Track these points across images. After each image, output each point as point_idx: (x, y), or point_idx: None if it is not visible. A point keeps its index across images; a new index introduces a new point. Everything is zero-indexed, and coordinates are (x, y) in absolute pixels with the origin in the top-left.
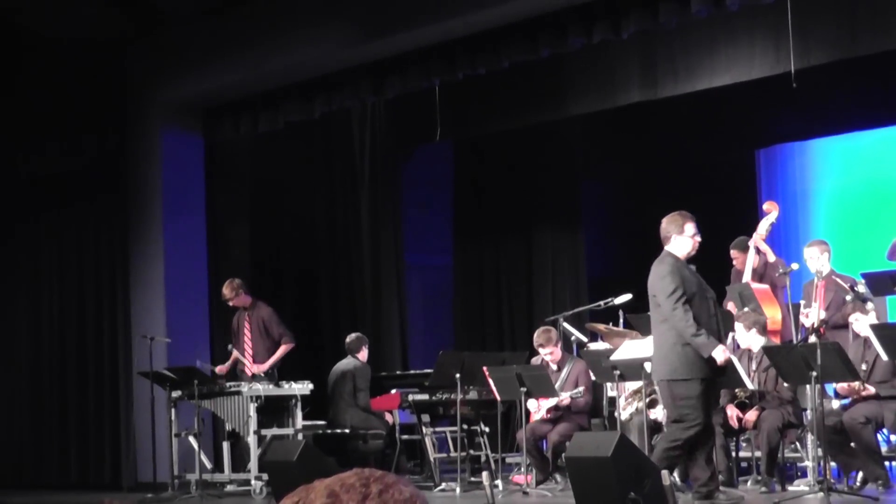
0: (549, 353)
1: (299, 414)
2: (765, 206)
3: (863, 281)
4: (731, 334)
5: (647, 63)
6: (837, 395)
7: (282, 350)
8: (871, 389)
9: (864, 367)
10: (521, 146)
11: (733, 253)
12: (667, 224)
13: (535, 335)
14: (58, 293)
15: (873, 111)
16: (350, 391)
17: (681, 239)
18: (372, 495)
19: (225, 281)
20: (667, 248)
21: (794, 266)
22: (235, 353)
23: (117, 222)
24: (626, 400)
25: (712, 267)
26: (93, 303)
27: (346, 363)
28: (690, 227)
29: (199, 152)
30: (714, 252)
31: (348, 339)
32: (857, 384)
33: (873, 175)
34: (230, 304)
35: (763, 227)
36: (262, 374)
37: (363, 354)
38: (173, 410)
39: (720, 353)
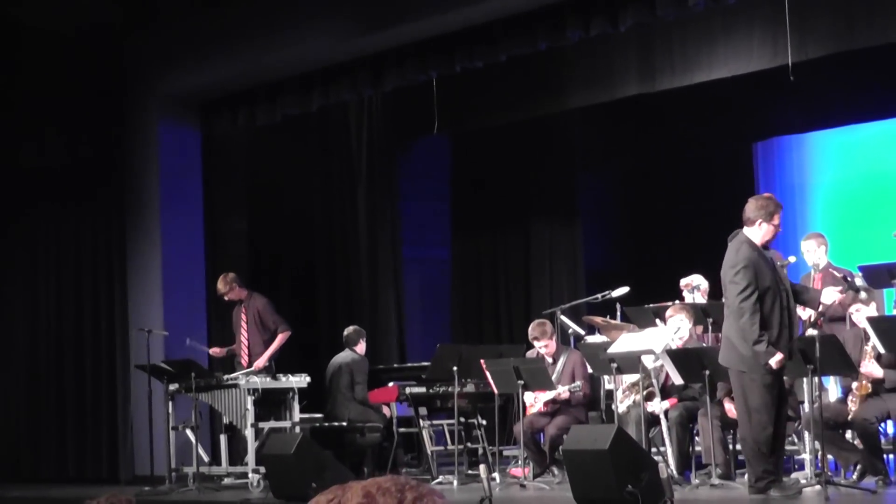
0: (543, 346)
1: (296, 407)
2: None
3: (860, 274)
4: None
5: (644, 56)
6: (845, 393)
7: (279, 340)
8: (873, 371)
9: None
10: (519, 139)
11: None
12: (756, 208)
13: (530, 328)
14: (55, 286)
15: (871, 104)
16: (347, 384)
17: (767, 227)
18: (407, 501)
19: (221, 274)
20: (747, 231)
21: (792, 259)
22: (234, 347)
23: (114, 215)
24: (623, 393)
25: (708, 260)
26: (90, 296)
27: (343, 356)
28: (778, 217)
29: (197, 145)
30: (711, 245)
31: (346, 332)
32: (864, 381)
33: (871, 168)
34: (225, 298)
35: None
36: (263, 369)
37: (361, 347)
38: (170, 403)
39: (776, 363)
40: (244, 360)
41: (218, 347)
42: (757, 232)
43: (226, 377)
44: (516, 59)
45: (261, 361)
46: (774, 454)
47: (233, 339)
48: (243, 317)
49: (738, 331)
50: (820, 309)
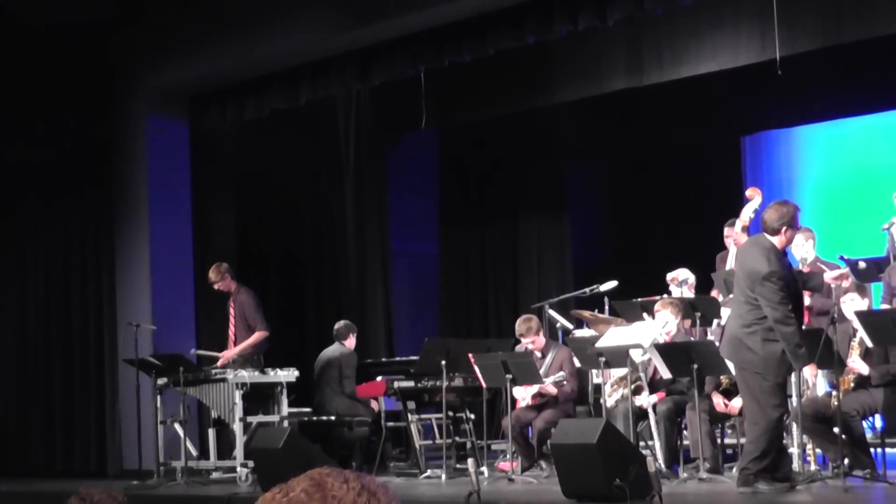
0: (530, 342)
1: (285, 401)
2: (748, 193)
3: (846, 267)
4: (715, 321)
5: (632, 50)
6: (833, 387)
7: (253, 338)
8: (859, 368)
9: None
10: (507, 133)
11: (728, 231)
12: (779, 217)
13: (516, 325)
14: (43, 280)
15: (858, 98)
16: (336, 378)
17: (790, 234)
18: (352, 479)
19: (210, 269)
20: (770, 238)
21: None
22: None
23: (102, 210)
24: (611, 387)
25: (696, 254)
26: (78, 290)
27: (332, 350)
28: (798, 220)
29: (185, 139)
30: (698, 239)
31: (337, 326)
32: (849, 375)
33: (858, 162)
34: (216, 287)
35: (746, 213)
36: (251, 363)
37: (350, 342)
38: (159, 398)
39: (809, 373)
40: (222, 358)
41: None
42: (781, 239)
43: (214, 371)
44: (504, 53)
45: (229, 354)
46: (775, 453)
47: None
48: (231, 310)
49: (754, 329)
50: (833, 299)
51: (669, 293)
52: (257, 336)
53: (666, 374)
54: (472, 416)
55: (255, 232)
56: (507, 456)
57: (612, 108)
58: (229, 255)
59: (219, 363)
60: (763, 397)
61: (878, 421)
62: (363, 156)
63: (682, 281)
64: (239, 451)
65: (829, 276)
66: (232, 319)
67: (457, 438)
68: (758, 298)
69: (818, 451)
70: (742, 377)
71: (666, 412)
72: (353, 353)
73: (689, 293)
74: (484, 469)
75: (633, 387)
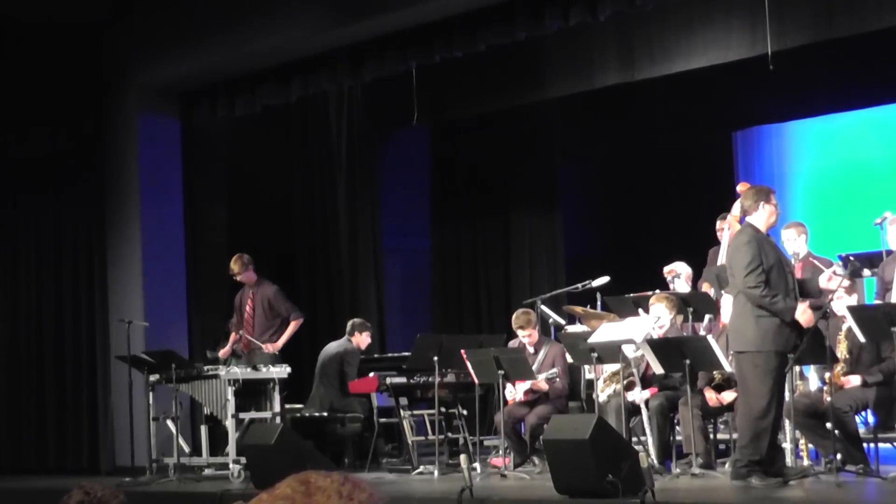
0: (527, 336)
1: (277, 397)
2: (739, 188)
3: (839, 262)
4: (707, 316)
5: (623, 45)
6: (825, 383)
7: (292, 326)
8: (852, 381)
9: (847, 355)
10: (499, 129)
11: (720, 224)
12: (751, 195)
13: (514, 317)
14: (35, 277)
15: (850, 93)
16: (334, 373)
17: (768, 207)
18: (335, 473)
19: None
20: (748, 219)
21: None
22: (234, 334)
23: (94, 206)
24: (603, 382)
25: (689, 250)
26: (70, 287)
27: (337, 345)
28: (774, 198)
29: (177, 136)
30: (691, 235)
31: (352, 321)
32: (837, 369)
33: (850, 157)
34: (237, 278)
35: (737, 209)
36: (277, 353)
37: (357, 339)
38: (151, 394)
39: (803, 314)
40: (249, 343)
41: (223, 349)
42: (760, 216)
43: (206, 368)
44: (495, 49)
45: (277, 345)
46: (768, 447)
47: (218, 329)
48: (250, 302)
49: (743, 311)
50: (828, 297)
51: (667, 286)
52: (295, 324)
53: (658, 369)
54: (465, 412)
55: (247, 228)
56: (500, 452)
57: (603, 103)
58: (220, 252)
59: (268, 350)
60: (752, 384)
61: (870, 416)
62: (355, 152)
63: (677, 274)
64: (231, 448)
65: (824, 281)
66: (250, 310)
67: (449, 434)
68: (733, 270)
69: (811, 446)
70: (738, 365)
71: (658, 408)
72: (357, 350)
73: (684, 285)
74: (476, 465)
75: (625, 382)
